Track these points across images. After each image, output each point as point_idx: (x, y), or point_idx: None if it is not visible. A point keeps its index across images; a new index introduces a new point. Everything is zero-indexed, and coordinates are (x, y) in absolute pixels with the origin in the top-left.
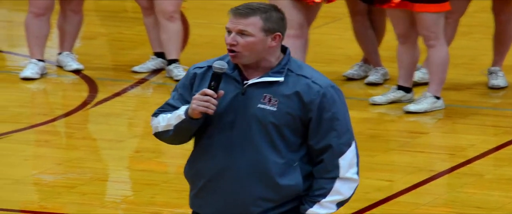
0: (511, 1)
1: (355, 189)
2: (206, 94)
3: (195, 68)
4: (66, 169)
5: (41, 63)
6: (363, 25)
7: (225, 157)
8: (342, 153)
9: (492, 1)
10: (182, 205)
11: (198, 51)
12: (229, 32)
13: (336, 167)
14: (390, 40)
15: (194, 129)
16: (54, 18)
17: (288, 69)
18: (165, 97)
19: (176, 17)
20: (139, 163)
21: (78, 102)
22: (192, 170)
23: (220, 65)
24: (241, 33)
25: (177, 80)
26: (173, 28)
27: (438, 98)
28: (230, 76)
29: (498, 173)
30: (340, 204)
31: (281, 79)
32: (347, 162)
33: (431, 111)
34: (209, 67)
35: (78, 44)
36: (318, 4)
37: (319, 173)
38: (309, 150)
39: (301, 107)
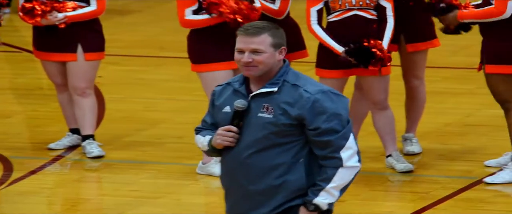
0: (420, 67)
1: (356, 174)
2: (230, 131)
3: (216, 86)
4: None
5: None
6: None
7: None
8: (341, 147)
9: (402, 69)
10: None
11: (114, 127)
12: (242, 51)
13: (339, 159)
14: None
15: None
16: None
17: (284, 80)
18: (83, 173)
19: (89, 93)
20: None
21: None
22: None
23: (241, 104)
24: (255, 51)
25: (90, 158)
26: (87, 104)
27: None
28: (238, 91)
29: None
30: (343, 190)
31: (274, 89)
32: (347, 154)
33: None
34: (227, 84)
35: None
36: None
37: (323, 166)
38: (312, 147)
39: (294, 113)
